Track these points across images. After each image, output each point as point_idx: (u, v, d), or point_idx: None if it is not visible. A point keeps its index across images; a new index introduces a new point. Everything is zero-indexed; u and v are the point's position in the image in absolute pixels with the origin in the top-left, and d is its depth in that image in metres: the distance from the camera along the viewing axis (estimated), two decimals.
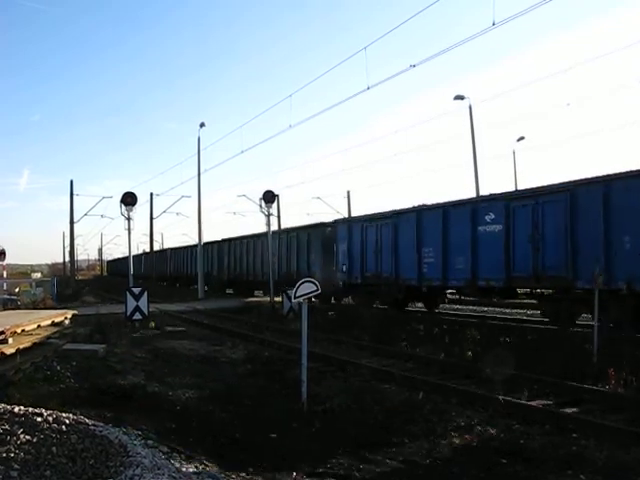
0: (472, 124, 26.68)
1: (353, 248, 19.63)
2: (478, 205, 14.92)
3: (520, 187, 18.47)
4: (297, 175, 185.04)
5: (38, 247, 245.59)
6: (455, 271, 15.33)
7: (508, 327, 13.51)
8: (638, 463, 5.09)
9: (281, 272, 24.70)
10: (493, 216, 14.32)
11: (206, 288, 34.02)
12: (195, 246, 35.30)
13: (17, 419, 4.76)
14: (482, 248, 14.54)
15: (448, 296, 18.96)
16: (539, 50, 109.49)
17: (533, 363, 9.12)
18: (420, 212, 17.02)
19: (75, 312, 16.51)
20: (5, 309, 20.22)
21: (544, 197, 13.24)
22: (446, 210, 15.96)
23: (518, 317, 16.39)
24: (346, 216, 35.86)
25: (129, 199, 17.17)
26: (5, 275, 27.66)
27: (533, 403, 7.21)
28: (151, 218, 40.64)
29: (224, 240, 33.84)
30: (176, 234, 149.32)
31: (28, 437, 4.38)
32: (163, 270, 46.04)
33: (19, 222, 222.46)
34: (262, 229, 25.81)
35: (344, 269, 19.95)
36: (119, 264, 68.13)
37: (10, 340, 10.20)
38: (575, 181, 12.73)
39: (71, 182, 40.34)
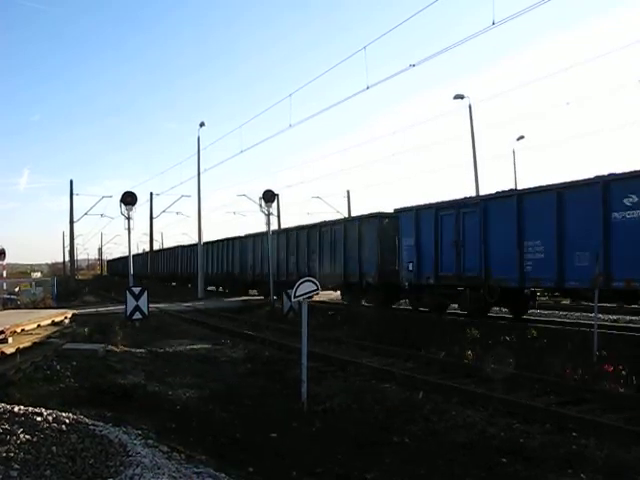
0: (472, 123, 26.66)
1: (423, 242, 16.31)
2: (611, 185, 11.81)
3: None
4: (296, 175, 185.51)
5: (38, 247, 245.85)
6: (576, 269, 12.17)
7: (508, 326, 13.49)
8: (638, 462, 5.09)
9: (322, 273, 20.76)
10: (636, 199, 11.32)
11: (215, 289, 33.32)
12: (211, 243, 33.92)
13: (17, 419, 4.76)
14: (619, 240, 11.54)
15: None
16: (538, 50, 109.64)
17: (534, 362, 9.13)
18: (522, 196, 13.67)
19: (75, 312, 16.56)
20: (5, 309, 20.27)
21: None
22: (561, 193, 12.71)
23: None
24: (349, 215, 35.74)
25: (129, 199, 17.17)
26: (5, 275, 27.66)
27: (533, 402, 7.22)
28: (151, 218, 40.65)
29: (248, 236, 29.43)
30: (176, 234, 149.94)
31: (28, 437, 4.37)
32: (172, 269, 43.22)
33: (19, 222, 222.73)
34: (262, 229, 25.27)
35: (410, 267, 16.67)
36: (120, 264, 66.16)
37: (10, 340, 10.23)
38: None
39: (71, 182, 40.36)
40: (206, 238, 34.02)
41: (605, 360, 8.54)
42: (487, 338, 11.36)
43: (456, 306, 16.28)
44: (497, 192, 14.63)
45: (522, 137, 30.97)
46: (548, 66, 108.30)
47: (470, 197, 15.35)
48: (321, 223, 22.46)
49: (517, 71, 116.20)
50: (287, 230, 25.45)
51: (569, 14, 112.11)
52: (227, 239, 32.50)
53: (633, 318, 15.12)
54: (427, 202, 16.53)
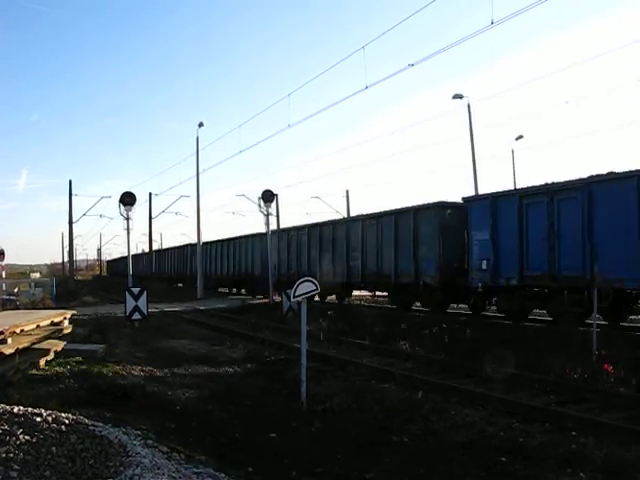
0: (470, 123, 26.67)
1: (501, 236, 13.96)
2: None
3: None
4: (295, 175, 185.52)
5: (37, 247, 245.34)
6: None
7: (507, 326, 13.49)
8: (638, 461, 5.09)
9: (366, 273, 18.66)
10: None
11: (228, 290, 32.13)
12: (227, 241, 32.23)
13: (16, 419, 4.75)
14: None
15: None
16: (537, 49, 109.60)
17: (533, 362, 9.14)
18: None
19: (74, 312, 16.50)
20: (4, 309, 20.20)
21: None
22: None
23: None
24: (348, 215, 35.64)
25: (128, 199, 17.19)
26: (4, 275, 27.66)
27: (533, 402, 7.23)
28: (150, 218, 40.73)
29: (271, 232, 25.74)
30: (175, 234, 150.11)
31: (27, 437, 4.37)
32: (181, 269, 40.16)
33: (18, 222, 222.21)
34: (261, 229, 25.03)
35: (484, 266, 14.32)
36: (121, 264, 64.29)
37: (9, 340, 10.18)
38: None
39: (70, 182, 40.37)
40: (205, 238, 33.89)
41: (604, 359, 8.54)
42: (486, 338, 11.37)
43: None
44: (607, 173, 12.14)
45: (521, 137, 30.95)
46: (546, 66, 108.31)
47: (568, 180, 12.69)
48: (364, 216, 19.72)
49: (516, 71, 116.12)
50: (320, 225, 22.56)
51: (567, 14, 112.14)
52: (245, 236, 29.31)
53: (632, 317, 15.12)
54: (506, 189, 14.17)
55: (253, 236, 28.25)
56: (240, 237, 30.34)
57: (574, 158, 72.09)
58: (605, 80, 74.04)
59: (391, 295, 19.11)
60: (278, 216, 34.22)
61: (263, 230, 22.54)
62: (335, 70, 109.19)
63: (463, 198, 15.70)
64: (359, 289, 21.69)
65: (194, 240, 34.19)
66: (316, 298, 20.83)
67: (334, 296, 22.16)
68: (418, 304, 17.84)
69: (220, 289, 33.33)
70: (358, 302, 22.90)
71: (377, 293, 21.81)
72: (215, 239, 35.01)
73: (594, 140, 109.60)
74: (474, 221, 14.84)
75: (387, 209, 18.49)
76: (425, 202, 16.97)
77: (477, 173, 26.43)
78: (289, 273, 23.13)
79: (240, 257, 29.61)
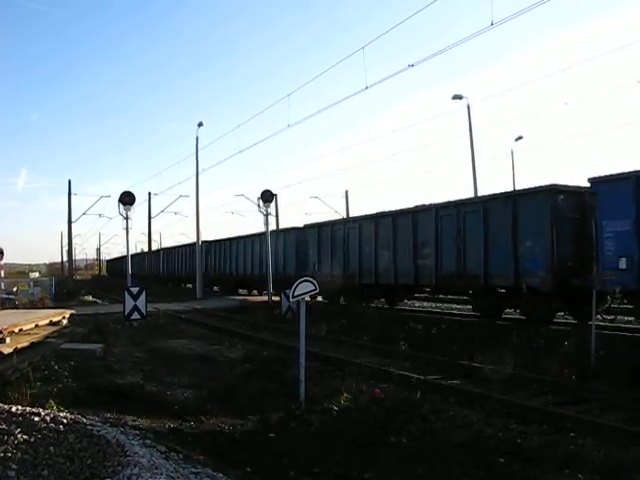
0: (470, 123, 26.65)
1: None
2: None
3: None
4: (295, 175, 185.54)
5: (36, 247, 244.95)
6: None
7: (507, 326, 13.48)
8: (637, 462, 5.09)
9: (441, 273, 15.57)
10: None
11: (248, 291, 30.05)
12: (251, 236, 29.13)
13: (15, 419, 4.75)
14: None
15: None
16: (536, 50, 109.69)
17: (532, 362, 9.15)
18: None
19: (73, 312, 16.51)
20: (3, 308, 20.20)
21: None
22: None
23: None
24: (347, 215, 35.57)
25: (127, 198, 17.17)
26: (3, 275, 27.59)
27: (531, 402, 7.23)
28: (149, 218, 40.71)
29: (309, 226, 22.64)
30: (174, 234, 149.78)
31: (26, 437, 4.36)
32: (192, 269, 35.23)
33: (18, 222, 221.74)
34: (260, 229, 24.85)
35: (623, 265, 11.25)
36: (121, 263, 59.11)
37: (8, 340, 10.19)
38: None
39: (69, 182, 40.34)
40: (204, 238, 33.72)
41: (603, 360, 8.54)
42: (486, 338, 11.37)
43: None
44: None
45: (520, 137, 30.93)
46: (546, 66, 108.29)
47: None
48: (440, 205, 16.12)
49: (515, 71, 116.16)
50: (375, 217, 18.77)
51: (568, 14, 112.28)
52: (276, 231, 25.21)
53: (630, 318, 15.09)
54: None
55: (283, 231, 24.36)
56: (264, 233, 25.65)
57: (573, 158, 72.16)
58: (605, 80, 74.13)
59: (476, 300, 15.60)
60: (277, 216, 34.31)
61: (268, 229, 22.11)
62: (335, 70, 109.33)
63: (590, 179, 12.27)
64: (428, 292, 18.60)
65: (194, 239, 34.01)
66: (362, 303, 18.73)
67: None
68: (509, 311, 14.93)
69: (240, 290, 30.90)
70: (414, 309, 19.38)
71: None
72: (231, 236, 32.41)
73: (594, 140, 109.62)
74: (607, 208, 11.59)
75: (471, 196, 15.33)
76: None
77: (476, 173, 26.43)
78: (332, 274, 19.27)
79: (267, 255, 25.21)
